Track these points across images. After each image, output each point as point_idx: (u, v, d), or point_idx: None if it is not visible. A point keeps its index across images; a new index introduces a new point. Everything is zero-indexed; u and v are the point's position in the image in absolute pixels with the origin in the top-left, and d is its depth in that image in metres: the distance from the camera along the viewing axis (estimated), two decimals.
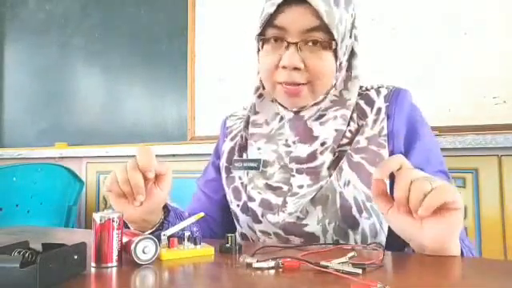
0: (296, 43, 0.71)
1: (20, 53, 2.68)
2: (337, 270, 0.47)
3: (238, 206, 0.81)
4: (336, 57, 0.74)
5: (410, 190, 0.54)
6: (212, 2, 2.02)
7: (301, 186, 0.74)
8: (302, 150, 0.76)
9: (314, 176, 0.74)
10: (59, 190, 2.05)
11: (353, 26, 0.78)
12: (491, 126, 1.44)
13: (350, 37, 0.77)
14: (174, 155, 1.96)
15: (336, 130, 0.76)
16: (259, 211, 0.77)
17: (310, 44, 0.72)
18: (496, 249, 1.39)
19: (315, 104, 0.77)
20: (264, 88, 0.83)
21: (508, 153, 1.40)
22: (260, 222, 0.77)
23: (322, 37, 0.71)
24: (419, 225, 0.56)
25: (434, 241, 0.56)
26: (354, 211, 0.71)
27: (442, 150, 0.80)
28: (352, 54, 0.80)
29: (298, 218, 0.73)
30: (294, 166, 0.76)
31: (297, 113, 0.78)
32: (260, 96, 0.84)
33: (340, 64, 0.76)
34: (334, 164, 0.74)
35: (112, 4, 2.33)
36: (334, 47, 0.72)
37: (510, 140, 1.36)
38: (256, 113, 0.84)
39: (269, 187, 0.77)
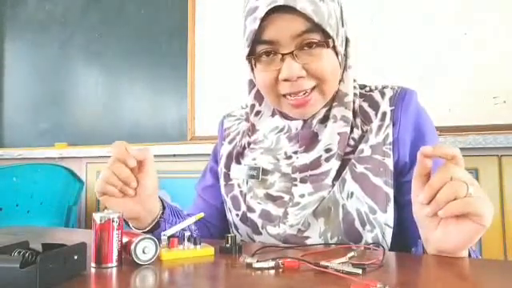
0: (291, 52, 0.67)
1: (20, 53, 2.68)
2: (337, 270, 0.47)
3: (237, 215, 0.79)
4: (336, 53, 0.70)
5: (443, 185, 0.52)
6: (212, 2, 2.02)
7: (302, 195, 0.71)
8: (306, 158, 0.73)
9: (317, 184, 0.71)
10: (59, 190, 2.04)
11: (342, 14, 0.73)
12: (491, 126, 1.44)
13: (342, 25, 0.73)
14: (174, 155, 1.96)
15: (339, 134, 0.72)
16: (259, 223, 0.74)
17: (306, 48, 0.67)
18: (496, 249, 1.39)
19: (324, 106, 0.74)
20: (260, 104, 0.80)
21: (508, 153, 1.40)
22: (260, 233, 0.75)
23: (317, 37, 0.67)
24: (436, 222, 0.55)
25: (441, 241, 0.55)
26: (357, 224, 0.68)
27: None
28: (346, 42, 0.75)
29: (300, 230, 0.70)
30: (297, 175, 0.73)
31: (306, 120, 0.75)
32: (257, 114, 0.81)
33: (341, 57, 0.73)
34: (337, 174, 0.71)
35: (112, 4, 2.33)
36: (332, 45, 0.68)
37: (510, 140, 1.36)
38: (256, 131, 0.81)
39: (269, 197, 0.75)
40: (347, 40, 0.76)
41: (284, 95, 0.71)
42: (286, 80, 0.68)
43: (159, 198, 0.73)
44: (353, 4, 1.64)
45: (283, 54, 0.67)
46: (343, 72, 0.75)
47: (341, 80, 0.75)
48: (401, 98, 0.74)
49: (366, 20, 1.65)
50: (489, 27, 1.47)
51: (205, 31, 2.03)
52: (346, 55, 0.75)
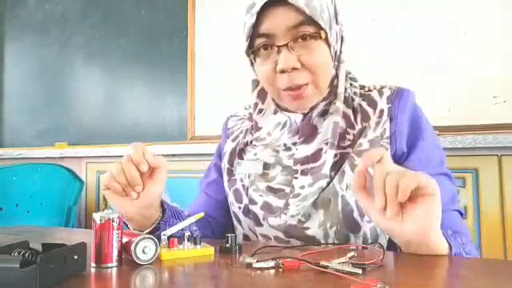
0: (286, 44, 0.71)
1: (20, 53, 2.68)
2: (337, 270, 0.47)
3: (239, 208, 0.81)
4: (329, 45, 0.74)
5: (385, 181, 0.55)
6: (212, 2, 2.02)
7: (302, 187, 0.74)
8: (306, 150, 0.76)
9: (315, 175, 0.74)
10: (59, 190, 2.05)
11: (336, 12, 0.77)
12: (491, 126, 1.44)
13: (337, 23, 0.77)
14: (173, 155, 1.96)
15: (333, 124, 0.75)
16: (261, 214, 0.77)
17: (300, 40, 0.71)
18: (496, 249, 1.39)
19: (323, 99, 0.78)
20: (263, 102, 0.84)
21: (508, 153, 1.40)
22: (261, 225, 0.77)
23: (310, 29, 0.71)
24: (400, 219, 0.56)
25: (414, 232, 0.56)
26: (356, 215, 0.71)
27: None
28: (341, 41, 0.79)
29: (300, 221, 0.73)
30: (298, 167, 0.76)
31: (305, 114, 0.78)
32: (260, 112, 0.84)
33: (335, 52, 0.76)
34: (337, 166, 0.74)
35: (112, 4, 2.33)
36: (324, 36, 0.72)
37: (510, 140, 1.36)
38: (258, 129, 0.84)
39: (270, 190, 0.77)
40: (342, 39, 0.78)
41: (283, 89, 0.74)
42: (282, 71, 0.72)
43: (161, 200, 0.73)
44: (353, 4, 1.64)
45: (279, 46, 0.71)
46: (338, 66, 0.79)
47: (335, 76, 0.79)
48: (398, 96, 0.78)
49: (366, 20, 1.65)
50: (489, 27, 1.47)
51: (205, 31, 2.03)
52: (340, 51, 0.78)
